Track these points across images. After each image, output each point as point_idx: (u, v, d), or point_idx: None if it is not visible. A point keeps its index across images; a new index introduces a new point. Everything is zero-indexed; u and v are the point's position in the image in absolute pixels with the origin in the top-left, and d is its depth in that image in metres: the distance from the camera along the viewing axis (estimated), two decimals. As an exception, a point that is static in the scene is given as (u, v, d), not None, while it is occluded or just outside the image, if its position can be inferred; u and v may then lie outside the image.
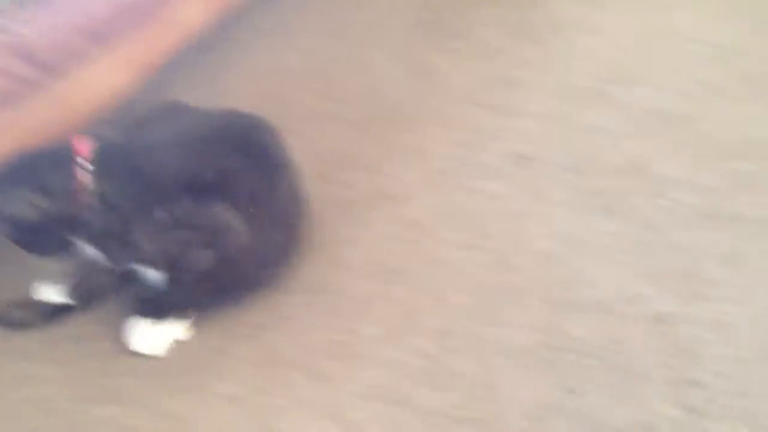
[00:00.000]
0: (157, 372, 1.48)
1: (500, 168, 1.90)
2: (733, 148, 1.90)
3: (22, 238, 1.47)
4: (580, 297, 1.57)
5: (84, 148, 1.46)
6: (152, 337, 1.51)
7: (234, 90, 2.27)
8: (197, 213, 1.45)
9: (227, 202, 1.46)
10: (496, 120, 2.06)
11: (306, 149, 2.02)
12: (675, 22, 2.42)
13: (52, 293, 1.57)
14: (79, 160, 1.44)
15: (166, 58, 2.14)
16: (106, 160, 1.45)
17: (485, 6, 2.56)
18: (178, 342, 1.52)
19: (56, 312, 1.57)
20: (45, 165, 1.46)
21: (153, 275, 1.50)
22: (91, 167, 1.44)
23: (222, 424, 1.39)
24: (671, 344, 1.47)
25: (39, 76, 1.68)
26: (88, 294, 1.59)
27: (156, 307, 1.53)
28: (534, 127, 2.02)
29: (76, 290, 1.58)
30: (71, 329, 1.57)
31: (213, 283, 1.49)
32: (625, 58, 2.27)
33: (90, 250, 1.48)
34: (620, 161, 1.88)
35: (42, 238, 1.46)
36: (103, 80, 1.90)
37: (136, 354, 1.51)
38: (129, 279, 1.55)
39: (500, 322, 1.53)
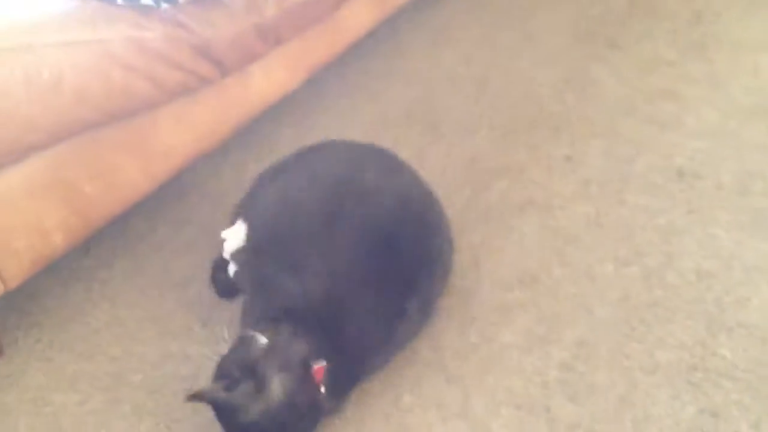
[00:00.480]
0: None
1: (658, 182, 1.83)
2: None
3: None
4: (734, 318, 1.49)
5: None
6: None
7: (386, 94, 2.32)
8: None
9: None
10: (655, 133, 1.99)
11: (456, 155, 2.04)
12: None
13: None
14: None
15: (330, 60, 2.22)
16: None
17: (648, 20, 2.49)
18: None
19: None
20: None
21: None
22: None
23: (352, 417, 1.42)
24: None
25: (212, 72, 1.77)
26: None
27: None
28: (695, 142, 1.94)
29: None
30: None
31: None
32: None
33: None
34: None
35: None
36: (269, 79, 1.99)
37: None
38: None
39: (646, 339, 1.47)
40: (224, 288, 1.62)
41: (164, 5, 1.65)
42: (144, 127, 1.70)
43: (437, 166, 2.01)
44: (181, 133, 1.79)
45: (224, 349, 1.33)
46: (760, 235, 1.66)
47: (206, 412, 1.30)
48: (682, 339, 1.46)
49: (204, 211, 1.94)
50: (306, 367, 1.28)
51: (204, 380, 1.41)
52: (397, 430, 1.39)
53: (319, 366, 1.29)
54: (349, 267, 1.38)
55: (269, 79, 1.98)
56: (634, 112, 2.08)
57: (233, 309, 1.59)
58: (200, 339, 1.60)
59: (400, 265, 1.40)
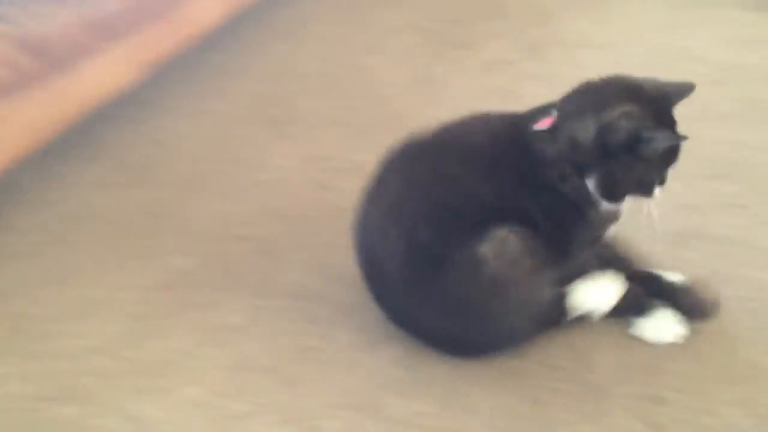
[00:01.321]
0: (121, 373, 1.47)
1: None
2: (721, 170, 1.89)
3: None
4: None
5: None
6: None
7: (234, 90, 2.30)
8: None
9: None
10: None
11: (304, 153, 2.04)
12: (678, 42, 2.42)
13: None
14: None
15: (174, 55, 2.16)
16: None
17: (493, 19, 2.57)
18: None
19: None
20: None
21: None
22: None
23: (184, 428, 1.38)
24: (639, 359, 1.45)
25: (43, 68, 1.70)
26: None
27: None
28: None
29: None
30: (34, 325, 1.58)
31: None
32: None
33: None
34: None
35: None
36: (107, 75, 1.93)
37: (100, 353, 1.51)
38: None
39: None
40: None
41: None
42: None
43: (285, 165, 2.01)
44: (6, 131, 1.71)
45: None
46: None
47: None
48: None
49: (28, 215, 1.87)
50: None
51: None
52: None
53: None
54: None
55: (105, 74, 1.93)
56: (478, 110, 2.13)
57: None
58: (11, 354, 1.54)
59: None
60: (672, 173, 1.84)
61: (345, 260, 1.68)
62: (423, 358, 1.47)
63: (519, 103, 2.14)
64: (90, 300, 1.64)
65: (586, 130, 1.37)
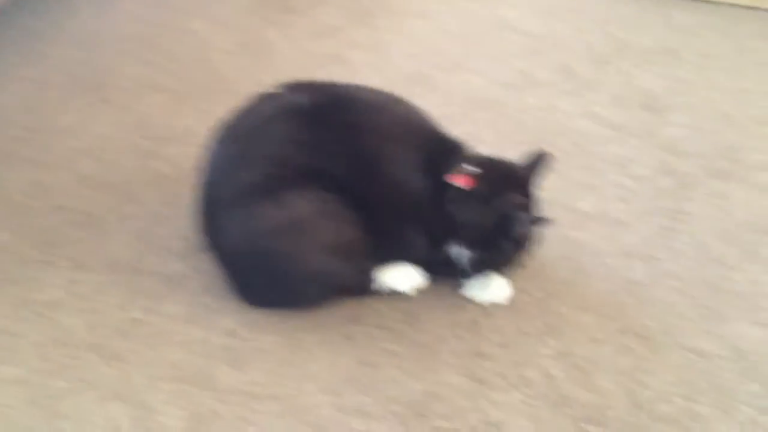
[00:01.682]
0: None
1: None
2: (540, 136, 1.98)
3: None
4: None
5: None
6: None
7: (49, 55, 2.17)
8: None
9: None
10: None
11: (126, 120, 1.96)
12: (499, 13, 2.51)
13: None
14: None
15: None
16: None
17: (320, -15, 2.56)
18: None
19: None
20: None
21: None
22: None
23: (4, 409, 1.31)
24: (465, 318, 1.52)
25: None
26: None
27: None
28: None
29: None
30: None
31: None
32: (448, 46, 2.33)
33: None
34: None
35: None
36: None
37: None
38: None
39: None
40: None
41: None
42: None
43: (105, 132, 1.92)
44: None
45: None
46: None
47: None
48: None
49: None
50: None
51: None
52: (50, 418, 1.31)
53: None
54: None
55: None
56: (305, 76, 2.12)
57: None
58: None
59: None
60: (497, 139, 1.94)
61: (171, 230, 1.64)
62: (255, 328, 1.46)
63: (348, 71, 2.18)
64: None
65: (488, 217, 1.46)
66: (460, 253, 1.50)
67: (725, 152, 1.95)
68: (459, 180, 1.46)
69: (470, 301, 1.53)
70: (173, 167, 1.82)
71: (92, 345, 1.41)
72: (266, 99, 1.49)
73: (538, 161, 1.52)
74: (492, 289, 1.54)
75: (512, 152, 1.88)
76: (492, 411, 1.35)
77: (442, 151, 1.51)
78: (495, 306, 1.53)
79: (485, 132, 1.96)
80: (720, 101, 2.14)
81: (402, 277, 1.54)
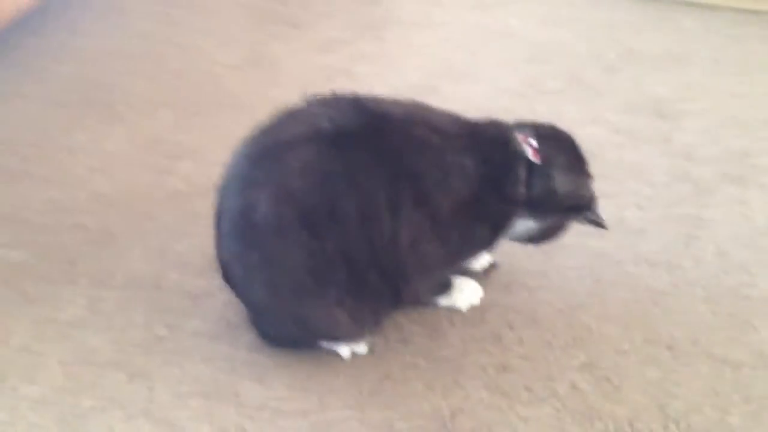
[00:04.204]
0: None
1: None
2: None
3: None
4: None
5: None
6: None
7: (58, 74, 2.16)
8: None
9: None
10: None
11: (137, 137, 1.95)
12: (505, 22, 2.51)
13: None
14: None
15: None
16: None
17: (327, 0, 2.56)
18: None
19: None
20: None
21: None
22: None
23: (27, 428, 1.30)
24: (487, 331, 1.51)
25: None
26: None
27: None
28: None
29: None
30: None
31: None
32: (456, 56, 2.33)
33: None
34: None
35: None
36: None
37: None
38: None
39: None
40: None
41: None
42: None
43: (117, 150, 1.92)
44: None
45: None
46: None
47: None
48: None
49: None
50: None
51: None
52: (77, 435, 1.30)
53: None
54: None
55: None
56: (313, 91, 2.12)
57: None
58: None
59: None
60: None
61: (189, 246, 1.64)
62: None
63: (355, 83, 2.17)
64: None
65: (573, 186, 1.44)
66: (526, 226, 1.45)
67: (739, 157, 1.95)
68: (532, 155, 1.40)
69: (489, 312, 1.53)
70: (187, 183, 1.81)
71: (117, 363, 1.40)
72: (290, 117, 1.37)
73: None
74: (467, 293, 1.54)
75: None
76: (520, 425, 1.34)
77: (488, 138, 1.42)
78: (517, 318, 1.52)
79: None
80: (731, 106, 2.14)
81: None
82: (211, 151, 1.89)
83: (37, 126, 1.99)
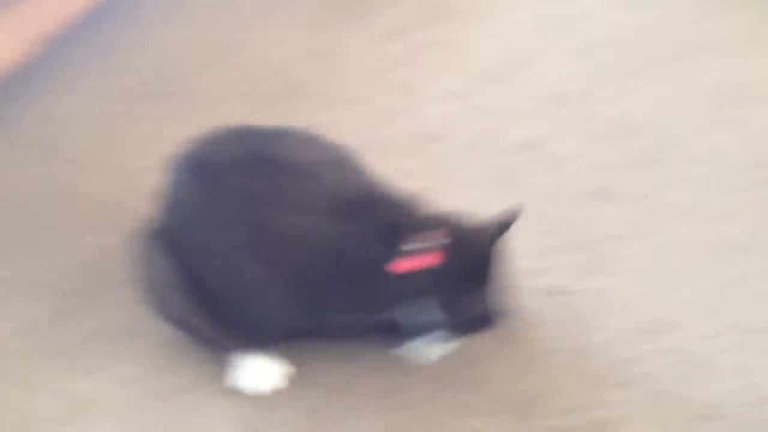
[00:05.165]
0: (51, 353, 1.42)
1: (407, 146, 1.89)
2: (626, 128, 1.94)
3: None
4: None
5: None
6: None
7: (128, 65, 2.20)
8: None
9: None
10: (403, 98, 2.05)
11: (210, 126, 1.97)
12: (582, 6, 2.47)
13: None
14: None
15: (63, 29, 2.05)
16: None
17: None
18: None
19: None
20: None
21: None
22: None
23: (122, 404, 1.35)
24: (568, 315, 1.50)
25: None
26: None
27: None
28: (439, 106, 2.03)
29: None
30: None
31: None
32: (527, 41, 2.30)
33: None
34: (522, 139, 1.90)
35: None
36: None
37: (27, 335, 1.45)
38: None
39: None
40: None
41: None
42: None
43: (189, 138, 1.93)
44: None
45: None
46: (502, 190, 1.77)
47: None
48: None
49: None
50: None
51: None
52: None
53: None
54: None
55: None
56: (382, 78, 2.13)
57: None
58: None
59: None
60: (580, 133, 1.92)
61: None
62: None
63: (422, 71, 2.17)
64: (7, 282, 1.57)
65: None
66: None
67: None
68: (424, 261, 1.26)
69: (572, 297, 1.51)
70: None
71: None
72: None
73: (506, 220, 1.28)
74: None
75: (595, 148, 1.86)
76: (604, 409, 1.33)
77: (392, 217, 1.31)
78: (599, 304, 1.50)
79: (569, 126, 1.94)
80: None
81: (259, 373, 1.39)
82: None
83: (110, 115, 2.03)
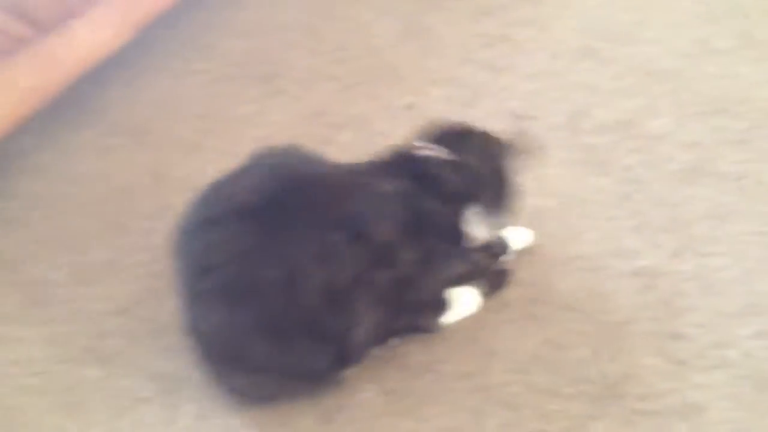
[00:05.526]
0: (143, 333, 1.48)
1: (496, 125, 1.87)
2: (722, 106, 1.87)
3: None
4: (568, 251, 1.57)
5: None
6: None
7: (220, 48, 2.25)
8: None
9: None
10: (490, 78, 2.03)
11: (298, 109, 2.01)
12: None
13: None
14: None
15: (157, 14, 2.11)
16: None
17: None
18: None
19: None
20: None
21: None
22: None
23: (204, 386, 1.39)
24: (656, 298, 1.47)
25: (32, 32, 1.66)
26: None
27: None
28: (527, 85, 2.00)
29: None
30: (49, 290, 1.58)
31: None
32: (618, 17, 2.24)
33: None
34: (612, 118, 1.86)
35: None
36: (92, 36, 1.88)
37: (120, 315, 1.51)
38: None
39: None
40: None
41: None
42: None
43: (281, 120, 1.98)
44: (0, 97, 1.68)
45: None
46: (591, 170, 1.74)
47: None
48: (518, 275, 1.53)
49: (30, 181, 1.84)
50: None
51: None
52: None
53: None
54: None
55: (95, 36, 1.87)
56: (469, 58, 2.11)
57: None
58: (30, 320, 1.54)
59: None
60: (673, 111, 1.86)
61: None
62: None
63: (512, 49, 2.14)
64: (101, 263, 1.63)
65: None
66: (482, 220, 1.43)
67: None
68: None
69: (655, 279, 1.47)
70: (348, 153, 1.84)
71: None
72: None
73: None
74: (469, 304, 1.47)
75: (690, 126, 1.80)
76: (692, 393, 1.30)
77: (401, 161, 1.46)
78: (688, 285, 1.47)
79: (662, 104, 1.89)
80: None
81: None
82: (371, 122, 1.93)
83: (205, 99, 2.08)
